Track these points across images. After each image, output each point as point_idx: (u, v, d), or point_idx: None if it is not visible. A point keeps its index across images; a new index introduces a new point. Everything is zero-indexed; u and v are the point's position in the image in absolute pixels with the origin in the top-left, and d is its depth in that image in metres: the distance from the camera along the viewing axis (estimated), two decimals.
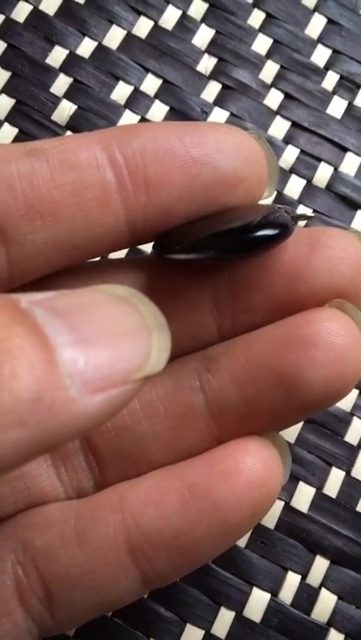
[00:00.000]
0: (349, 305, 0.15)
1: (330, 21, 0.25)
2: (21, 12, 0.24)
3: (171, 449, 0.16)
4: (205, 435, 0.16)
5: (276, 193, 0.23)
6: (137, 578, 0.15)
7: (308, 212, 0.15)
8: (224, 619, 0.20)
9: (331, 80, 0.24)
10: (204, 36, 0.24)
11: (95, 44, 0.24)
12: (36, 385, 0.10)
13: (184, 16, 0.24)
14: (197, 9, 0.25)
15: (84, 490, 0.16)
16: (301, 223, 0.23)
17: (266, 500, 0.15)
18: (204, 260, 0.15)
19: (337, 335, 0.14)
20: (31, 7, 0.24)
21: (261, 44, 0.24)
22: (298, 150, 0.24)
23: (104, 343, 0.11)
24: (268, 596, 0.20)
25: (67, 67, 0.24)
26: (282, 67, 0.24)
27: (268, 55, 0.24)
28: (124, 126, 0.15)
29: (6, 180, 0.14)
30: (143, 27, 0.24)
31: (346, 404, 0.22)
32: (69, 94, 0.23)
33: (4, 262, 0.14)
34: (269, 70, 0.24)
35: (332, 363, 0.14)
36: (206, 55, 0.24)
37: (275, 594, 0.20)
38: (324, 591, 0.20)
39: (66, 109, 0.23)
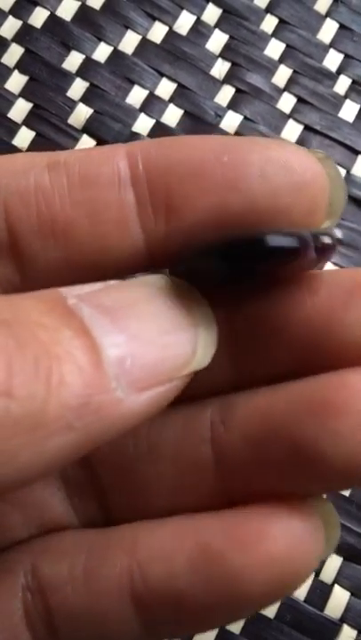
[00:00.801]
0: None
1: (342, 27, 0.25)
2: (38, 18, 0.24)
3: (177, 496, 0.15)
4: (213, 488, 0.14)
5: None
6: (140, 628, 0.14)
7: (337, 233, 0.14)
8: None
9: (343, 84, 0.25)
10: (217, 40, 0.25)
11: (111, 48, 0.24)
12: (84, 390, 0.10)
13: (198, 21, 0.25)
14: (211, 14, 0.25)
15: (97, 521, 0.16)
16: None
17: (291, 578, 0.13)
18: (205, 270, 0.13)
19: None
20: (48, 13, 0.25)
21: (274, 48, 0.25)
22: None
23: (151, 341, 0.11)
24: None
25: (83, 71, 0.24)
26: (294, 71, 0.25)
27: (281, 60, 0.25)
28: (160, 140, 0.14)
29: (22, 194, 0.13)
30: (158, 32, 0.25)
31: None
32: (86, 98, 0.24)
33: (17, 277, 0.14)
34: (282, 75, 0.25)
35: None
36: (220, 60, 0.25)
37: None
38: (337, 587, 0.21)
39: (82, 113, 0.24)
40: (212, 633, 0.20)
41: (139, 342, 0.11)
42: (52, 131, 0.24)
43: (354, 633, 0.20)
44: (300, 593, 0.21)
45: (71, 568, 0.14)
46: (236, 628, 0.20)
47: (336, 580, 0.21)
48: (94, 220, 0.13)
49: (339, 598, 0.21)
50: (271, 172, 0.13)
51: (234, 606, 0.13)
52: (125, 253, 0.14)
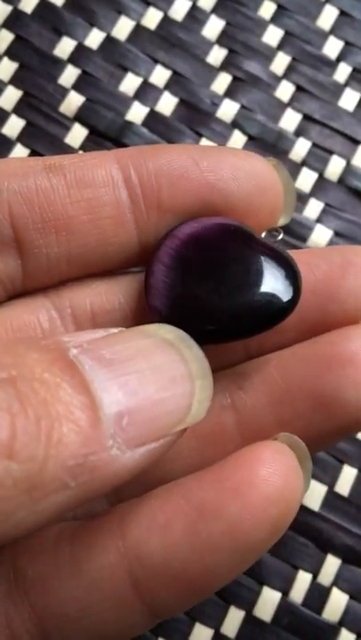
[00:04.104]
0: None
1: (342, 13, 0.24)
2: (29, 3, 0.24)
3: (196, 471, 0.14)
4: None
5: None
6: (143, 612, 0.13)
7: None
8: (234, 618, 0.20)
9: (343, 72, 0.24)
10: (214, 27, 0.24)
11: (104, 35, 0.24)
12: (81, 450, 0.10)
13: (194, 7, 0.24)
14: (207, 0, 0.24)
15: (96, 512, 0.15)
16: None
17: (286, 515, 0.13)
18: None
19: None
20: None
21: (272, 35, 0.24)
22: (309, 143, 0.23)
23: (148, 397, 0.12)
24: (278, 595, 0.20)
25: (75, 58, 0.23)
26: (293, 59, 0.24)
27: (279, 47, 0.24)
28: (143, 147, 0.15)
29: (25, 194, 0.14)
30: (152, 18, 0.24)
31: None
32: (77, 86, 0.23)
33: (20, 273, 0.15)
34: (280, 62, 0.24)
35: None
36: (216, 46, 0.24)
37: (285, 593, 0.20)
38: (335, 590, 0.20)
39: (74, 101, 0.23)
40: (208, 635, 0.20)
41: (136, 399, 0.11)
42: (42, 119, 0.23)
43: (353, 637, 0.20)
44: (298, 596, 0.20)
45: (56, 562, 0.13)
46: (231, 631, 0.20)
47: (334, 583, 0.20)
48: (93, 216, 0.15)
49: (337, 601, 0.20)
50: (241, 176, 0.15)
51: (238, 560, 0.13)
52: (121, 248, 0.15)
